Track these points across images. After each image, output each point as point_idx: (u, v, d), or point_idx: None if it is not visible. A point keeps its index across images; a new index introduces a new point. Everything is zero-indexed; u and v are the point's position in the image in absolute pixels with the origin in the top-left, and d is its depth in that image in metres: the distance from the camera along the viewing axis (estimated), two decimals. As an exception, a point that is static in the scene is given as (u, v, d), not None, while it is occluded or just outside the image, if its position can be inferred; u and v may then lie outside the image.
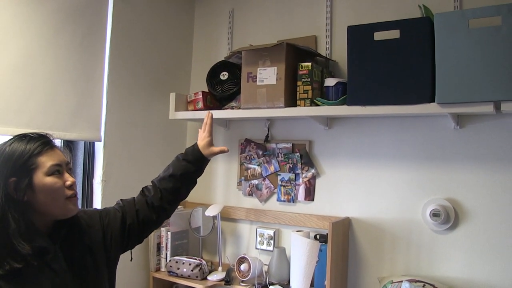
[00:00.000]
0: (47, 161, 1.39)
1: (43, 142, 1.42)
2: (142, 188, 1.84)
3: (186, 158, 1.87)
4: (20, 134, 1.44)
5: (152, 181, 1.85)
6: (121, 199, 1.81)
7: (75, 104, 2.55)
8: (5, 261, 1.27)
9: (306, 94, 2.44)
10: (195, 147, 1.92)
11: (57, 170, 1.40)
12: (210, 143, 1.95)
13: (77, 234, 1.52)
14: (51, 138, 1.48)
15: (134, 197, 1.81)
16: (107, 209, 1.74)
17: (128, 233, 1.71)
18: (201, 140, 1.94)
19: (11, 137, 1.45)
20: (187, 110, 2.96)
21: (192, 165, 1.87)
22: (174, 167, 1.85)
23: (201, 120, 2.99)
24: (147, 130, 3.04)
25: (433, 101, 2.07)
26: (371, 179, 2.57)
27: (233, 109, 2.77)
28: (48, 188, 1.37)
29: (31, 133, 1.45)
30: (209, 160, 1.96)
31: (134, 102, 2.93)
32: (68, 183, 1.43)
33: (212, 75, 2.93)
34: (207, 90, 2.94)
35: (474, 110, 2.02)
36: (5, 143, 1.41)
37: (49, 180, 1.38)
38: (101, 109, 2.73)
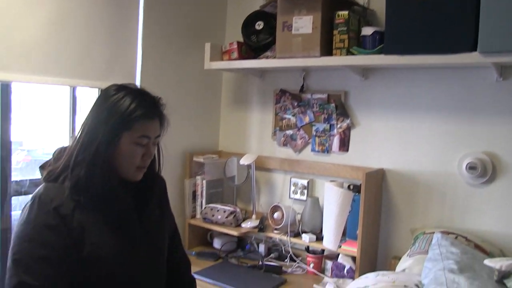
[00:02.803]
0: (139, 130, 1.41)
1: (149, 111, 1.43)
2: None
3: None
4: (140, 89, 1.48)
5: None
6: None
7: (110, 54, 2.58)
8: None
9: (342, 44, 2.40)
10: None
11: (143, 142, 1.43)
12: None
13: (150, 189, 1.57)
14: (160, 107, 1.50)
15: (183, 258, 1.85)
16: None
17: None
18: None
19: (123, 85, 1.47)
20: (222, 60, 2.96)
21: None
22: None
23: (236, 71, 3.01)
24: (183, 80, 3.06)
25: (475, 50, 1.99)
26: (406, 131, 2.55)
27: (268, 58, 2.75)
28: (127, 153, 1.41)
29: (148, 94, 1.48)
30: None
31: (169, 52, 2.94)
32: (145, 157, 1.46)
33: (247, 25, 2.90)
34: (242, 40, 2.92)
35: (520, 59, 1.95)
36: (125, 89, 1.44)
37: (132, 147, 1.41)
38: (136, 59, 2.75)
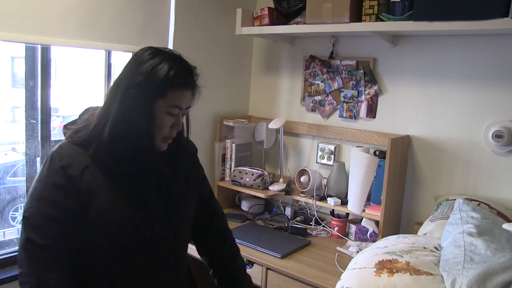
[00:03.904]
0: (173, 99, 1.34)
1: (186, 81, 1.37)
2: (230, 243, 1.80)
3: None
4: (177, 56, 1.40)
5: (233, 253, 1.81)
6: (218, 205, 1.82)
7: (143, 19, 2.64)
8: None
9: (372, 10, 2.40)
10: None
11: (174, 111, 1.37)
12: None
13: (175, 160, 1.53)
14: (195, 77, 1.42)
15: (221, 219, 1.81)
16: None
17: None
18: None
19: (161, 50, 1.38)
20: (253, 25, 2.99)
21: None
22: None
23: (267, 36, 3.04)
24: (215, 45, 3.11)
25: (506, 15, 1.97)
26: (434, 99, 2.55)
27: (298, 24, 2.77)
28: (156, 121, 1.35)
29: (186, 62, 1.41)
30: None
31: (202, 17, 2.99)
32: (174, 127, 1.40)
33: (279, -9, 2.92)
34: (273, 6, 2.94)
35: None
36: (162, 53, 1.36)
37: (163, 116, 1.35)
38: (169, 24, 2.81)
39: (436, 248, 1.89)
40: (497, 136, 2.30)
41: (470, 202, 2.16)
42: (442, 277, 1.62)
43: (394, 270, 1.66)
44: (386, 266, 1.69)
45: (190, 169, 1.62)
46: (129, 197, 1.38)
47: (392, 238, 2.04)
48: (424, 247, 1.87)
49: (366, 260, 1.79)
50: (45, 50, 2.33)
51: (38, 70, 2.34)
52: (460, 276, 1.52)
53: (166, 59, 1.34)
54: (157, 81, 1.31)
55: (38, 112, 2.37)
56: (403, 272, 1.65)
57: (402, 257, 1.76)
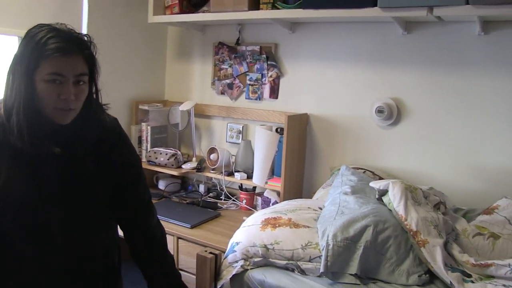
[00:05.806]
0: (48, 68, 1.26)
1: (62, 46, 1.27)
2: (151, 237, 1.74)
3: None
4: (63, 27, 1.34)
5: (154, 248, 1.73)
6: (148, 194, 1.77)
7: (56, 5, 2.74)
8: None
9: (268, -1, 2.65)
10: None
11: (56, 79, 1.27)
12: None
13: (78, 135, 1.41)
14: (82, 43, 1.35)
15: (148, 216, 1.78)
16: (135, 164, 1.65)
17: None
18: None
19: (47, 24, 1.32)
20: (164, 14, 3.15)
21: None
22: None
23: (178, 24, 3.22)
24: (130, 33, 3.25)
25: (376, 5, 2.27)
26: (328, 79, 2.83)
27: (204, 12, 2.97)
28: (41, 93, 1.28)
29: (68, 30, 1.34)
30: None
31: (116, 5, 3.11)
32: (62, 96, 1.28)
33: (187, -19, 3.10)
34: (183, -4, 3.12)
35: (410, 14, 2.23)
36: (48, 26, 1.30)
37: (44, 86, 1.27)
38: (82, 11, 2.91)
39: (320, 208, 2.16)
40: (379, 111, 2.59)
41: (357, 170, 2.45)
42: (318, 229, 1.88)
43: (277, 225, 1.91)
44: (270, 222, 1.94)
45: (105, 148, 1.50)
46: (26, 176, 1.34)
47: (283, 203, 2.30)
48: (309, 207, 2.14)
49: (255, 219, 2.03)
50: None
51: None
52: (330, 226, 1.78)
53: (47, 29, 1.29)
54: (31, 50, 1.26)
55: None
56: (284, 226, 1.90)
57: (286, 215, 2.01)
